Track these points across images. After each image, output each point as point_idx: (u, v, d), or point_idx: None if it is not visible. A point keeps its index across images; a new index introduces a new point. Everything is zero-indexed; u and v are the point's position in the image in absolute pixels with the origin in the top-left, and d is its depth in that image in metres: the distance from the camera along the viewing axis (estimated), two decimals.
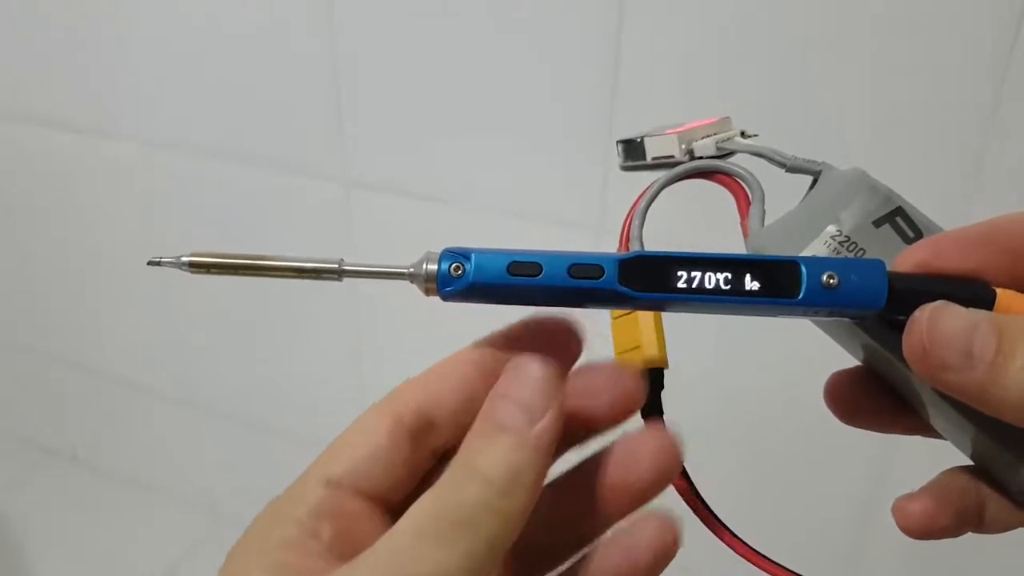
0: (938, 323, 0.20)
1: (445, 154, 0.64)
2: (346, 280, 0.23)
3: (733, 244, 0.26)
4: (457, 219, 0.65)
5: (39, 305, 0.95)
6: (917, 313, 0.20)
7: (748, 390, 0.62)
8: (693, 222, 0.45)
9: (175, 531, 0.96)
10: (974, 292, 0.21)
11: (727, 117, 0.30)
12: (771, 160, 0.27)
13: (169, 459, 0.98)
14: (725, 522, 0.26)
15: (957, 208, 0.48)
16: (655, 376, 0.27)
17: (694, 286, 0.21)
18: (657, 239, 0.27)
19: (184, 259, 0.23)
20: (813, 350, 0.58)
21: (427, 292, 0.22)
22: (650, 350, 0.27)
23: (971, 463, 0.24)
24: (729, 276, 0.21)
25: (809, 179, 0.27)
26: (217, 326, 0.84)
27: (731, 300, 0.21)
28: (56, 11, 0.74)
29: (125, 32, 0.72)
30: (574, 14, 0.55)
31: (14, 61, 0.79)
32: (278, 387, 0.84)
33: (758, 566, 0.25)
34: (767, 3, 0.50)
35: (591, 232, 0.61)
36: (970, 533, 0.23)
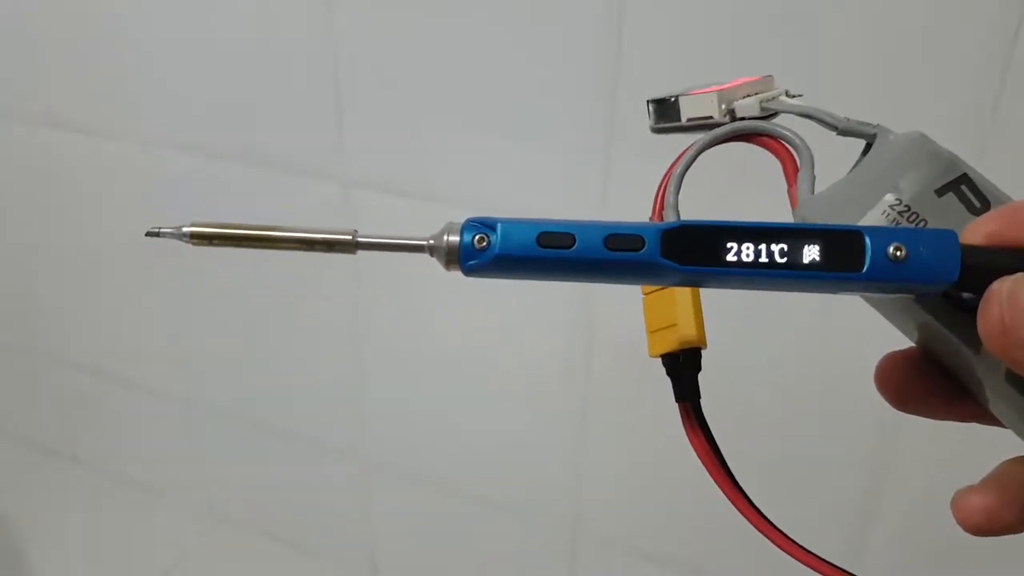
0: (1020, 298, 0.18)
1: (445, 154, 0.64)
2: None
3: (776, 214, 0.24)
4: (457, 219, 0.64)
5: (39, 305, 0.95)
6: (996, 285, 0.19)
7: (749, 373, 0.62)
8: (731, 189, 0.43)
9: (175, 531, 0.96)
10: None
11: (769, 75, 0.27)
12: (821, 122, 0.25)
13: (169, 459, 0.97)
14: (751, 500, 0.24)
15: None
16: (691, 357, 0.25)
17: (746, 259, 0.19)
18: (690, 209, 0.25)
19: (186, 229, 0.22)
20: (820, 332, 0.58)
21: (448, 266, 0.21)
22: (687, 329, 0.25)
23: None
24: (785, 248, 0.19)
25: (861, 144, 0.25)
26: (217, 326, 0.84)
27: (787, 275, 0.19)
28: (56, 11, 0.74)
29: (125, 32, 0.72)
30: (574, 14, 0.55)
31: (14, 61, 0.79)
32: (278, 387, 0.84)
33: (774, 541, 0.24)
34: (769, 7, 0.50)
35: None
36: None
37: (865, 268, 0.19)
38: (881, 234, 0.19)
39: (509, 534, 0.80)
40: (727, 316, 0.59)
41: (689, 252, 0.20)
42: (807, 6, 0.49)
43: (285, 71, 0.67)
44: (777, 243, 0.19)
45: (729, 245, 0.19)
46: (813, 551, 0.24)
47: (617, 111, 0.57)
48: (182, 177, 0.76)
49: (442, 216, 0.73)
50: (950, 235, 0.19)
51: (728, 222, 0.20)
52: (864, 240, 0.19)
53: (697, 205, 0.26)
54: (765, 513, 0.24)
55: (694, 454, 0.25)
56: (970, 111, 0.48)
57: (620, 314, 0.60)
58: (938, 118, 0.49)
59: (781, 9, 0.50)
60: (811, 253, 0.19)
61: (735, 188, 0.44)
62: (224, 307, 0.82)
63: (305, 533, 0.92)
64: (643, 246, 0.20)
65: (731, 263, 0.19)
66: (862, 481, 0.61)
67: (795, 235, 0.19)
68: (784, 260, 0.19)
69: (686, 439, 0.25)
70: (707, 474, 0.25)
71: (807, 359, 0.59)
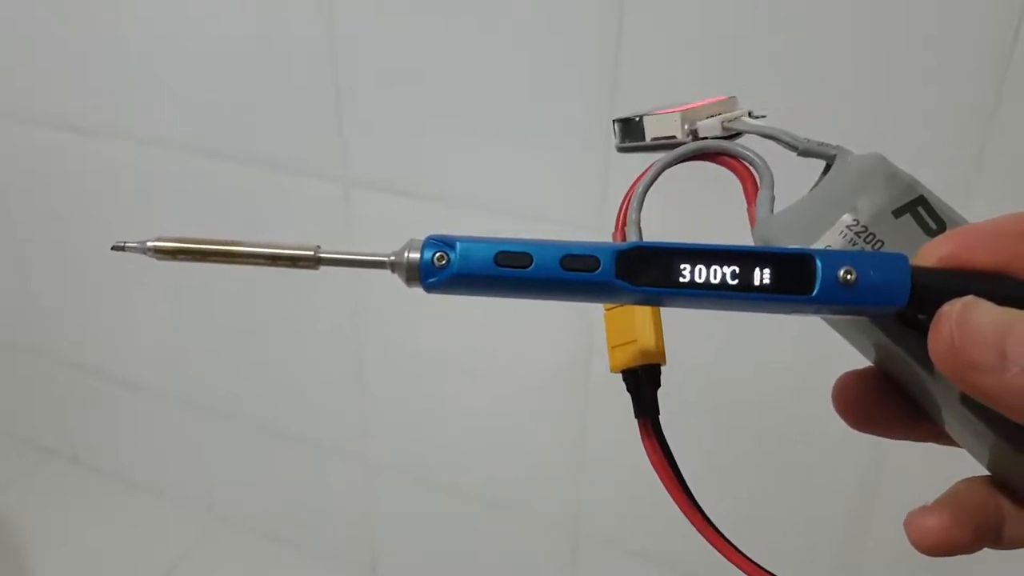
0: (969, 319, 0.18)
1: (445, 154, 0.64)
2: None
3: (737, 233, 0.25)
4: (457, 219, 0.65)
5: (39, 305, 0.95)
6: (946, 307, 0.19)
7: (739, 388, 0.62)
8: (693, 208, 0.44)
9: (175, 531, 0.96)
10: (1007, 290, 0.19)
11: (733, 96, 0.28)
12: (782, 142, 0.25)
13: (169, 459, 0.97)
14: (708, 517, 0.25)
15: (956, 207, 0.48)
16: (651, 373, 0.25)
17: (698, 280, 0.20)
18: (654, 227, 0.26)
19: (149, 244, 0.22)
20: (809, 346, 0.58)
21: (408, 283, 0.21)
22: (647, 345, 0.25)
23: (988, 473, 0.23)
24: (737, 270, 0.20)
25: (821, 165, 0.25)
26: (217, 326, 0.84)
27: (738, 296, 0.20)
28: (56, 11, 0.74)
29: (124, 32, 0.72)
30: (574, 13, 0.55)
31: (14, 61, 0.79)
32: (278, 387, 0.84)
33: (728, 558, 0.24)
34: (767, 8, 0.50)
35: (592, 233, 0.61)
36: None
37: (815, 291, 0.19)
38: (832, 257, 0.20)
39: (510, 535, 0.80)
40: (718, 328, 0.59)
41: (643, 273, 0.20)
42: (807, 7, 0.49)
43: (285, 71, 0.67)
44: (729, 265, 0.20)
45: (683, 267, 0.20)
46: (763, 566, 0.24)
47: (617, 110, 0.56)
48: (181, 177, 0.76)
49: (441, 216, 0.73)
50: (900, 259, 0.20)
51: (682, 244, 0.20)
52: (815, 263, 0.19)
53: (662, 223, 0.26)
54: (725, 534, 0.24)
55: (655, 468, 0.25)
56: (970, 111, 0.48)
57: None
58: (938, 119, 0.49)
59: (779, 9, 0.50)
60: (762, 276, 0.20)
61: (703, 205, 0.44)
62: (224, 307, 0.83)
63: (305, 533, 0.92)
64: (598, 267, 0.20)
65: (684, 284, 0.20)
66: (851, 493, 0.61)
67: (746, 258, 0.20)
68: (736, 282, 0.20)
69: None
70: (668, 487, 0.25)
71: (797, 370, 0.59)
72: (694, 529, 0.24)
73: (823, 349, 0.54)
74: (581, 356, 0.67)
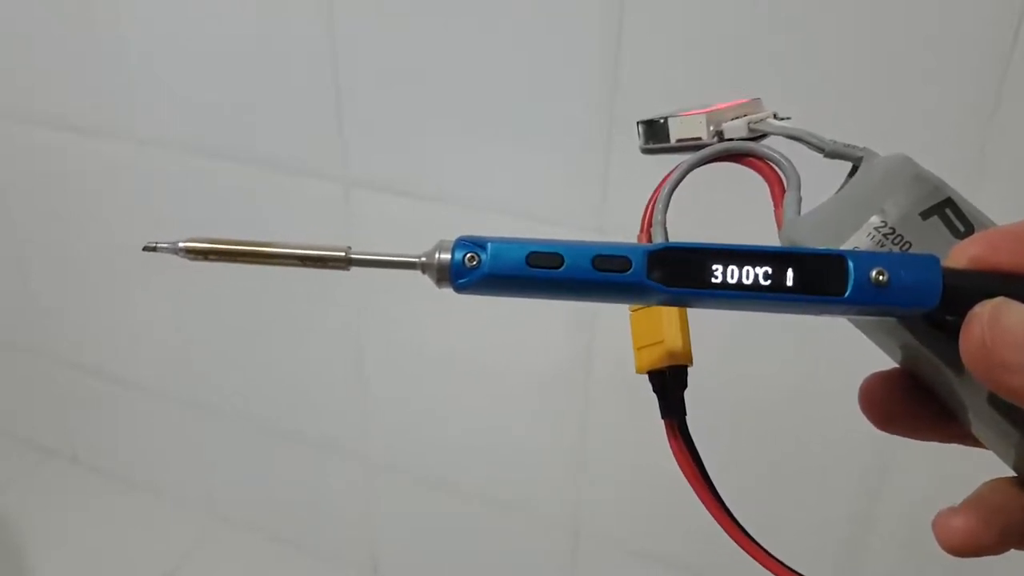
0: (1000, 319, 0.18)
1: (445, 154, 0.64)
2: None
3: (763, 235, 0.24)
4: (457, 219, 0.65)
5: (39, 305, 0.95)
6: (978, 308, 0.19)
7: (745, 388, 0.62)
8: (718, 210, 0.44)
9: (175, 531, 0.96)
10: None
11: (757, 98, 0.28)
12: (808, 144, 0.25)
13: (169, 459, 0.97)
14: (736, 519, 0.25)
15: None
16: (678, 374, 0.25)
17: (731, 281, 0.20)
18: (679, 228, 0.26)
19: (181, 244, 0.22)
20: (815, 348, 0.58)
21: (439, 283, 0.21)
22: (674, 346, 0.25)
23: (1013, 474, 0.22)
24: (769, 271, 0.20)
25: (847, 167, 0.25)
26: (218, 326, 0.84)
27: (770, 297, 0.20)
28: (56, 11, 0.74)
29: (124, 32, 0.72)
30: (574, 13, 0.55)
31: (14, 61, 0.79)
32: (278, 387, 0.84)
33: (757, 559, 0.24)
34: (767, 8, 0.50)
35: (592, 233, 0.61)
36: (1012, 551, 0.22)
37: (848, 292, 0.19)
38: (864, 258, 0.20)
39: (510, 534, 0.80)
40: (727, 326, 0.59)
41: (675, 274, 0.20)
42: (807, 7, 0.49)
43: (285, 71, 0.67)
44: (761, 266, 0.20)
45: (714, 267, 0.20)
46: (795, 569, 0.24)
47: (618, 111, 0.56)
48: (181, 177, 0.76)
49: (441, 216, 0.73)
50: (932, 260, 0.20)
51: (713, 244, 0.20)
52: (847, 264, 0.19)
53: (686, 224, 0.26)
54: (749, 531, 0.24)
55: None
56: (970, 111, 0.48)
57: (622, 316, 0.60)
58: (938, 119, 0.49)
59: (779, 9, 0.50)
60: (795, 277, 0.20)
61: (727, 207, 0.44)
62: (225, 306, 0.82)
63: (305, 533, 0.92)
64: (630, 267, 0.20)
65: (716, 285, 0.20)
66: (858, 492, 0.61)
67: (779, 259, 0.20)
68: (768, 283, 0.20)
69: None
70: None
71: (806, 368, 0.59)
72: (721, 530, 0.24)
73: (830, 351, 0.54)
74: (581, 356, 0.67)
